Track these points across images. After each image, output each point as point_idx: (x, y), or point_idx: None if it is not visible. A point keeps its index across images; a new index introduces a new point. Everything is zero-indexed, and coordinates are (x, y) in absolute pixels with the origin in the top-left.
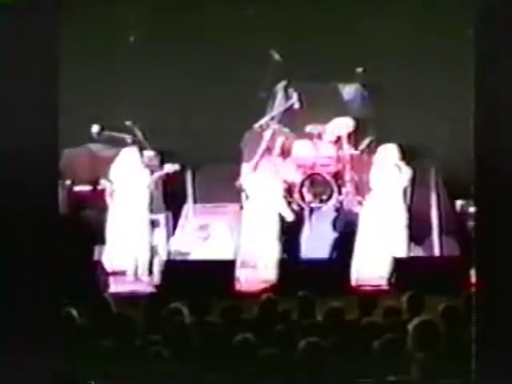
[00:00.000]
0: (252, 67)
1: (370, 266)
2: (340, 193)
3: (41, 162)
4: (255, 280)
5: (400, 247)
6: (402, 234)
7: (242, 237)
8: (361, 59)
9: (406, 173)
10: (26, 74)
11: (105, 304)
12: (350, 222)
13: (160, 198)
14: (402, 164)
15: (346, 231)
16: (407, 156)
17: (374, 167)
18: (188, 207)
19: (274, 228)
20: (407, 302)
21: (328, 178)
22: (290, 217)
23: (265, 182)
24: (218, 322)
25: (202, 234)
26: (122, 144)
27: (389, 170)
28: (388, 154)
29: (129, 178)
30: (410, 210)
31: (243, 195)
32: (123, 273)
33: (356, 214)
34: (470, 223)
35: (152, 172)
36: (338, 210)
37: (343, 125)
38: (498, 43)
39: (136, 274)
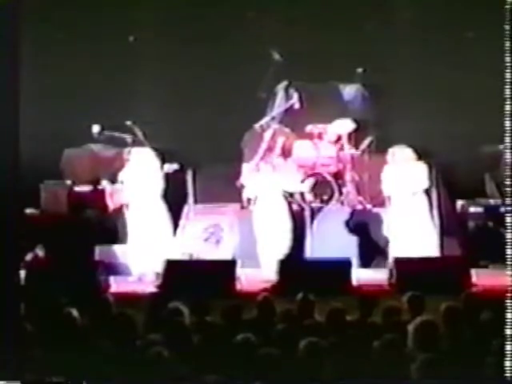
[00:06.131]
0: (252, 67)
1: None
2: (341, 193)
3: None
4: (256, 280)
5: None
6: (432, 233)
7: (242, 236)
8: (361, 59)
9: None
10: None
11: (105, 304)
12: (351, 222)
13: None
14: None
15: (347, 231)
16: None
17: (388, 168)
18: (188, 207)
19: (275, 228)
20: (408, 302)
21: (329, 178)
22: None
23: (265, 181)
24: (218, 321)
25: (204, 235)
26: (123, 144)
27: (407, 170)
28: (403, 156)
29: (144, 179)
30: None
31: (243, 195)
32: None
33: (356, 214)
34: (470, 223)
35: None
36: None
37: (344, 125)
38: None
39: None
